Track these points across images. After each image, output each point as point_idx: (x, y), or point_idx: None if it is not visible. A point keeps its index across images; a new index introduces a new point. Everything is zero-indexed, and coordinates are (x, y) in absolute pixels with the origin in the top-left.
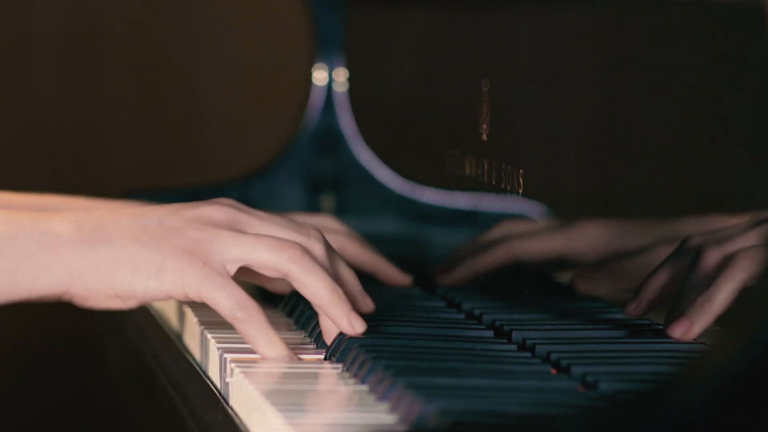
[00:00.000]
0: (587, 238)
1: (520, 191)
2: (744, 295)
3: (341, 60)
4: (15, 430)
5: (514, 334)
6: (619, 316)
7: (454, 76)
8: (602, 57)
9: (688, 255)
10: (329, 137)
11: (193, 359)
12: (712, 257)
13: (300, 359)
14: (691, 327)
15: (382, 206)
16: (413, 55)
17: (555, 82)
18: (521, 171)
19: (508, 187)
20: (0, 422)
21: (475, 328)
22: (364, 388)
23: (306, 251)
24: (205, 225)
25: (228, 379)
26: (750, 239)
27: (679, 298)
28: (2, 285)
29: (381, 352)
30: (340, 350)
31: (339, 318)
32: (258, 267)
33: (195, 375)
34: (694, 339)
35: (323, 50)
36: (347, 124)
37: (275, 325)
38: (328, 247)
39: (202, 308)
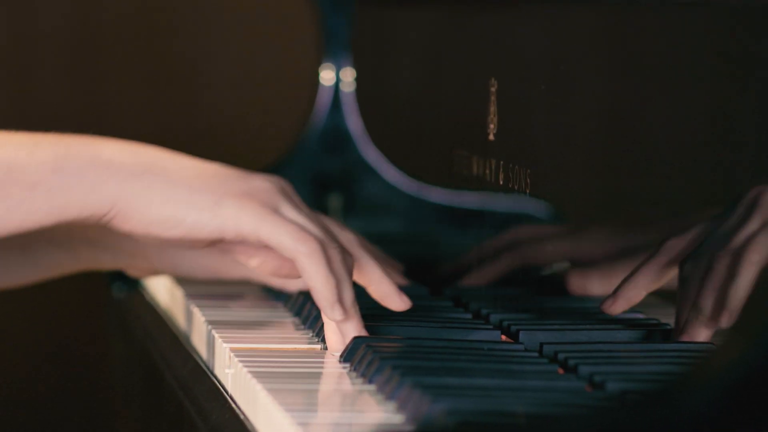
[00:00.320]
0: (594, 240)
1: (528, 191)
2: (752, 294)
3: (348, 60)
4: (21, 430)
5: (522, 334)
6: (626, 316)
7: (462, 75)
8: (610, 57)
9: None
10: (336, 137)
11: (201, 359)
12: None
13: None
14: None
15: (390, 206)
16: (420, 54)
17: (562, 82)
18: (528, 171)
19: (516, 187)
20: (6, 422)
21: (482, 328)
22: (372, 387)
23: (324, 251)
24: (265, 181)
25: (235, 379)
26: (756, 231)
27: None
28: (56, 203)
29: (388, 351)
30: (347, 350)
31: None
32: (276, 247)
33: (203, 375)
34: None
35: (331, 50)
36: (354, 123)
37: (281, 325)
38: (359, 247)
39: (209, 307)
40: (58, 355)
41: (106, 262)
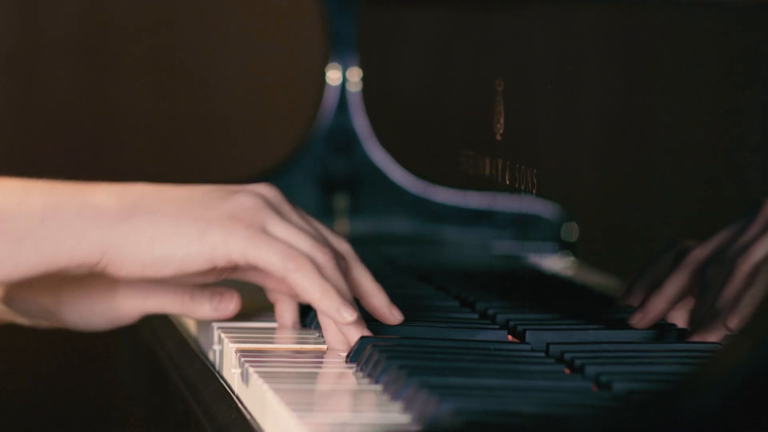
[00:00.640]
0: None
1: (534, 191)
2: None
3: (355, 60)
4: (28, 430)
5: (528, 334)
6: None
7: (468, 75)
8: (617, 57)
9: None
10: (343, 137)
11: (207, 360)
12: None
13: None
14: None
15: (396, 206)
16: (427, 54)
17: (569, 82)
18: (535, 171)
19: (522, 187)
20: (12, 422)
21: (489, 328)
22: (378, 387)
23: (314, 261)
24: (251, 195)
25: (241, 379)
26: None
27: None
28: (45, 253)
29: (395, 351)
30: (353, 350)
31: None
32: (263, 268)
33: (210, 376)
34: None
35: (337, 50)
36: (361, 123)
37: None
38: (353, 259)
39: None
40: (64, 355)
41: (24, 321)
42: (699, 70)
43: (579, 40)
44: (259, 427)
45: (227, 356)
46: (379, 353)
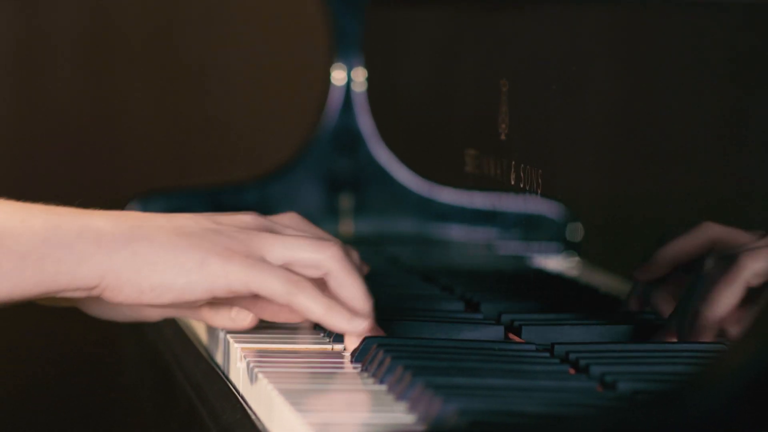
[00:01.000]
0: None
1: (539, 191)
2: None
3: (360, 60)
4: (33, 430)
5: (532, 334)
6: (638, 315)
7: (473, 75)
8: (621, 57)
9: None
10: (348, 137)
11: (212, 360)
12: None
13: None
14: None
15: (401, 206)
16: (432, 54)
17: (574, 82)
18: (540, 171)
19: (527, 187)
20: (18, 422)
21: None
22: (383, 387)
23: (347, 252)
24: (242, 228)
25: (247, 379)
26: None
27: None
28: (46, 273)
29: (399, 351)
30: (358, 350)
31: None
32: (299, 265)
33: (215, 376)
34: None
35: (342, 50)
36: (366, 123)
37: (292, 326)
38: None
39: None
40: (70, 355)
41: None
42: (705, 70)
43: (583, 40)
44: (264, 427)
45: (232, 356)
46: (383, 353)
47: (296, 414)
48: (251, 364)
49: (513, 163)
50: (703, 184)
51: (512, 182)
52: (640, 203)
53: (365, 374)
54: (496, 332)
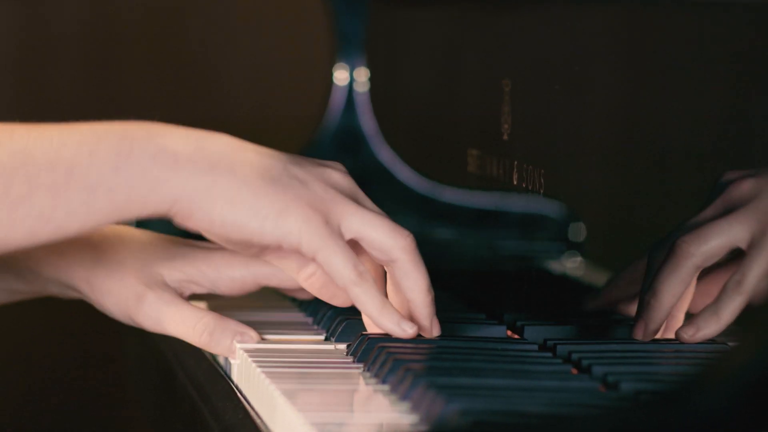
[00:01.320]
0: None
1: (542, 191)
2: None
3: (362, 60)
4: (35, 429)
5: (534, 334)
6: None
7: (475, 75)
8: (624, 57)
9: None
10: (350, 137)
11: (214, 360)
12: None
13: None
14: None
15: (403, 205)
16: (434, 54)
17: (576, 82)
18: (542, 171)
19: (530, 187)
20: (20, 421)
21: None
22: (385, 387)
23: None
24: (329, 185)
25: (248, 378)
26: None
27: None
28: (117, 202)
29: (402, 351)
30: (361, 350)
31: (424, 318)
32: (368, 244)
33: (217, 376)
34: (714, 340)
35: (344, 50)
36: (368, 123)
37: (295, 325)
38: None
39: (224, 309)
40: (72, 354)
41: (54, 291)
42: (707, 71)
43: (585, 40)
44: (266, 427)
45: (236, 355)
46: (386, 353)
47: (298, 414)
48: (253, 364)
49: (515, 163)
50: (705, 183)
51: (514, 182)
52: (643, 203)
53: (368, 374)
54: (498, 332)
